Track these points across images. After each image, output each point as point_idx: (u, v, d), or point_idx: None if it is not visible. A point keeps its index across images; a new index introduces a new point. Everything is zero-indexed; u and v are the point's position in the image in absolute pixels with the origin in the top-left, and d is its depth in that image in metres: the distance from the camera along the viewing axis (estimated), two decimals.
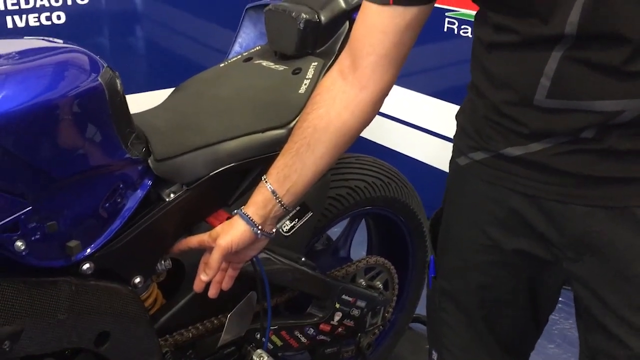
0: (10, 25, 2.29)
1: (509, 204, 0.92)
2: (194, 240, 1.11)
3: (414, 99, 2.51)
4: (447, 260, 1.06)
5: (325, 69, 1.29)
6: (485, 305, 1.01)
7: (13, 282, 0.90)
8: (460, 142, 0.99)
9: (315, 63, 1.30)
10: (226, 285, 1.11)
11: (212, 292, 1.10)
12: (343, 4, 1.32)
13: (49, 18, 2.36)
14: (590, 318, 0.92)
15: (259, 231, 1.04)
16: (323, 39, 1.33)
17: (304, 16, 1.28)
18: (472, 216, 0.98)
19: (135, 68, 2.61)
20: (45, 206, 0.91)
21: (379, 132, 2.67)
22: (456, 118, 1.01)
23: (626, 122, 0.78)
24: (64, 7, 2.38)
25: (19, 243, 0.89)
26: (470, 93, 0.96)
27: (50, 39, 1.05)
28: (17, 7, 2.28)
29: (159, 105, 1.31)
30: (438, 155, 2.38)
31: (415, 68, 2.47)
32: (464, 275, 1.02)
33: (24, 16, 2.30)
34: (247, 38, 1.48)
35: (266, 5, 1.43)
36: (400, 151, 2.66)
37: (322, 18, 1.29)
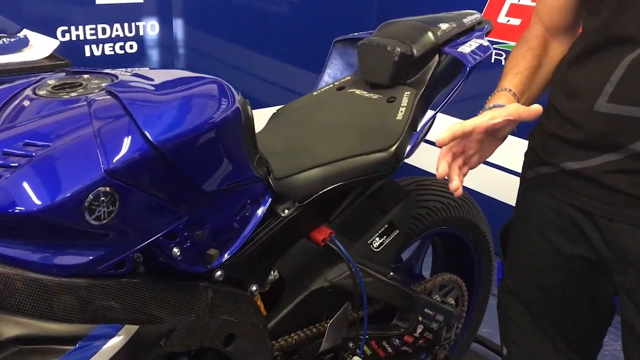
0: (87, 54, 2.43)
1: (567, 214, 1.01)
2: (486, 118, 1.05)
3: None
4: (512, 263, 1.16)
5: (417, 98, 1.40)
6: (548, 303, 1.09)
7: (169, 285, 1.01)
8: (528, 158, 1.12)
9: (408, 92, 1.40)
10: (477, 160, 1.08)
11: (457, 188, 1.05)
12: (433, 38, 1.43)
13: (122, 47, 2.51)
14: (632, 331, 0.98)
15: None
16: (414, 70, 1.44)
17: (399, 49, 1.39)
18: (535, 222, 1.09)
19: None
20: (196, 217, 1.02)
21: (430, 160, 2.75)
22: (527, 138, 1.14)
23: None
24: (136, 38, 2.53)
25: (175, 250, 1.00)
26: (542, 117, 1.07)
27: (182, 71, 1.17)
28: (94, 37, 2.43)
29: (262, 130, 1.42)
30: (486, 183, 2.47)
31: (464, 97, 2.57)
32: (526, 276, 1.12)
33: (100, 45, 2.45)
34: (335, 69, 1.60)
35: (354, 39, 1.55)
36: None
37: (415, 51, 1.41)
